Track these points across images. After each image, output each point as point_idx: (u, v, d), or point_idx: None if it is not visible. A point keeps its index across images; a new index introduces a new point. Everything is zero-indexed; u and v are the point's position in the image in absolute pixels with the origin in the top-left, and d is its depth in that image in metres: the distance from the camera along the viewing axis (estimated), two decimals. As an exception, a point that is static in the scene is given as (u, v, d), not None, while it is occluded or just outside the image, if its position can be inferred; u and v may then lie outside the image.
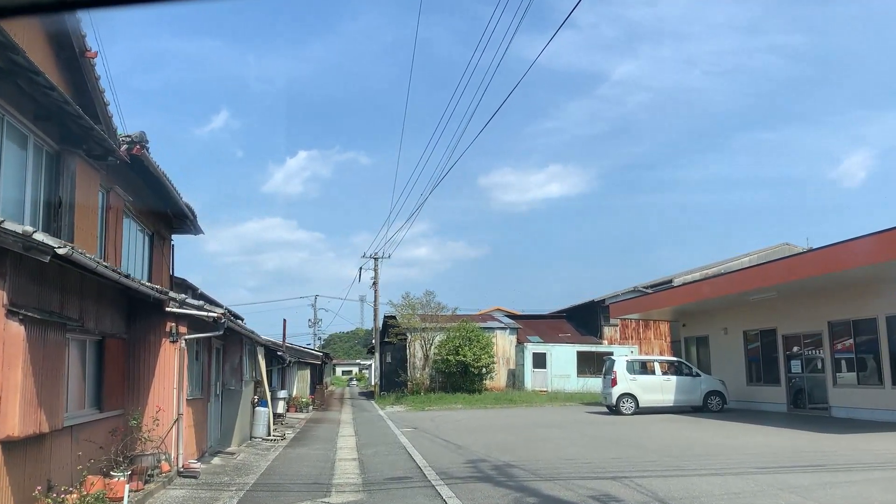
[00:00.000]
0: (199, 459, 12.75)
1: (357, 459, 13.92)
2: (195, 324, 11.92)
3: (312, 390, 36.68)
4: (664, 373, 24.91)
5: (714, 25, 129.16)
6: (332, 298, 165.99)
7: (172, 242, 21.00)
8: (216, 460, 13.36)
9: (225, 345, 15.84)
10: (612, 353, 41.23)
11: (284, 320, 26.33)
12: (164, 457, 11.08)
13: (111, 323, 10.76)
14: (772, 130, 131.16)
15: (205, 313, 11.39)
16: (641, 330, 46.42)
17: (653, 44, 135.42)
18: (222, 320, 11.48)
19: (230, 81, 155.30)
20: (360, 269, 42.98)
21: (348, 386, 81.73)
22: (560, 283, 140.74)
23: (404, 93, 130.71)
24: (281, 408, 23.41)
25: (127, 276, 9.48)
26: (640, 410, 24.00)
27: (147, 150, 14.62)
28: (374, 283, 42.59)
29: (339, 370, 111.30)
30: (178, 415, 11.31)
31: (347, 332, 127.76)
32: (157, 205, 17.59)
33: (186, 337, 11.53)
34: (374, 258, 42.30)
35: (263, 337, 19.72)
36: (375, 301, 42.43)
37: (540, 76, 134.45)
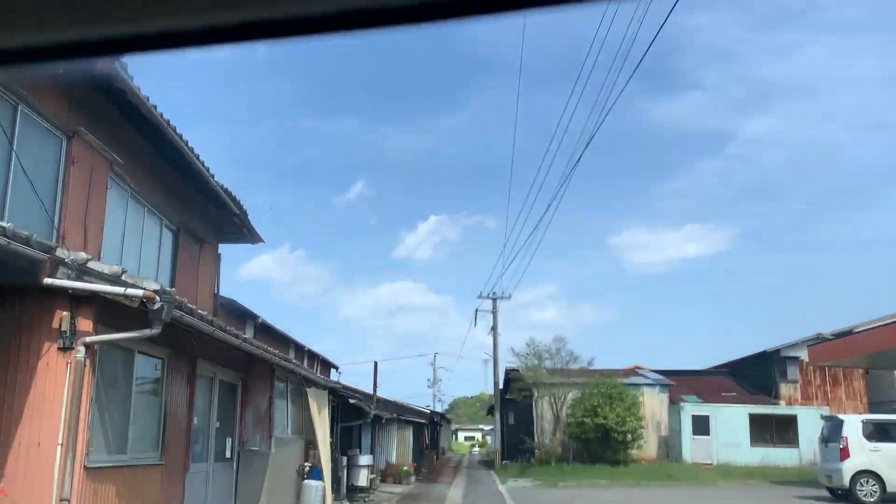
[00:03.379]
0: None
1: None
2: (121, 318, 6.11)
3: (418, 456, 30.28)
4: (922, 440, 16.66)
5: (853, 78, 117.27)
6: (449, 356, 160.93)
7: (220, 252, 15.88)
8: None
9: (246, 380, 10.03)
10: (795, 416, 32.63)
11: (375, 363, 20.52)
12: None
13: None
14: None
15: (119, 289, 5.53)
16: (829, 387, 36.90)
17: (786, 99, 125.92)
18: (156, 305, 5.58)
19: (364, 154, 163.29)
20: (476, 311, 36.75)
21: (470, 453, 74.53)
22: (701, 345, 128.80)
23: (529, 159, 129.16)
24: (363, 479, 17.28)
25: None
26: (888, 497, 15.89)
27: (125, 73, 9.39)
28: (493, 329, 36.15)
29: (461, 436, 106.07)
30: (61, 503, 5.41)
31: (471, 397, 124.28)
32: (173, 182, 12.43)
33: (92, 339, 5.71)
34: (493, 298, 36.00)
35: (324, 378, 13.88)
36: (494, 350, 35.91)
37: (665, 137, 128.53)
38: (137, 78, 9.59)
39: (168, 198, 12.39)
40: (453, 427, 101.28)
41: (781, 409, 34.08)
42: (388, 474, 23.56)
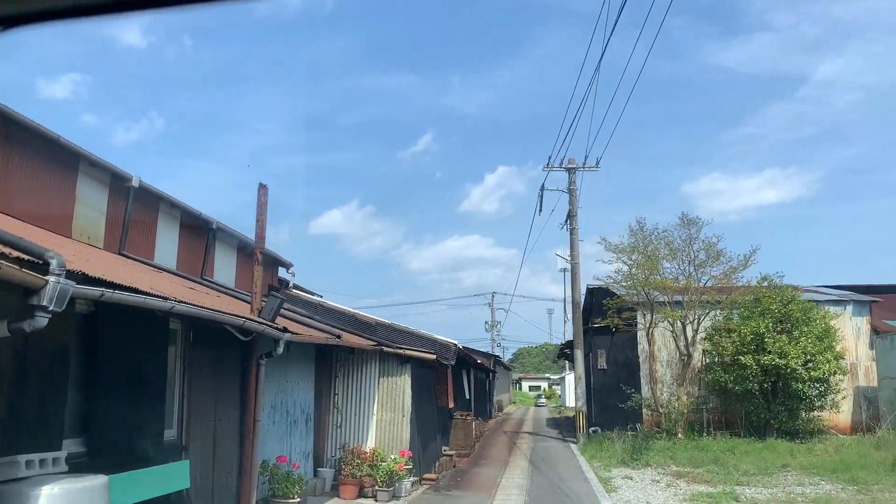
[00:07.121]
0: None
1: None
2: None
3: (440, 428, 16.74)
4: None
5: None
6: (506, 294, 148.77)
7: None
8: None
9: None
10: None
11: (261, 184, 7.47)
12: None
13: None
14: None
15: None
16: None
17: (861, 39, 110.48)
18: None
19: (427, 109, 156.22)
20: (542, 190, 22.78)
21: (535, 405, 61.39)
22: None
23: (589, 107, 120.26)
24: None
25: None
26: None
27: None
28: (569, 217, 22.20)
29: (525, 385, 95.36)
30: None
31: (537, 347, 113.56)
32: None
33: None
34: (567, 168, 21.99)
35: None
36: (572, 248, 21.98)
37: (734, 82, 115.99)
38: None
39: None
40: (515, 376, 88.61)
41: None
42: (343, 479, 10.28)
